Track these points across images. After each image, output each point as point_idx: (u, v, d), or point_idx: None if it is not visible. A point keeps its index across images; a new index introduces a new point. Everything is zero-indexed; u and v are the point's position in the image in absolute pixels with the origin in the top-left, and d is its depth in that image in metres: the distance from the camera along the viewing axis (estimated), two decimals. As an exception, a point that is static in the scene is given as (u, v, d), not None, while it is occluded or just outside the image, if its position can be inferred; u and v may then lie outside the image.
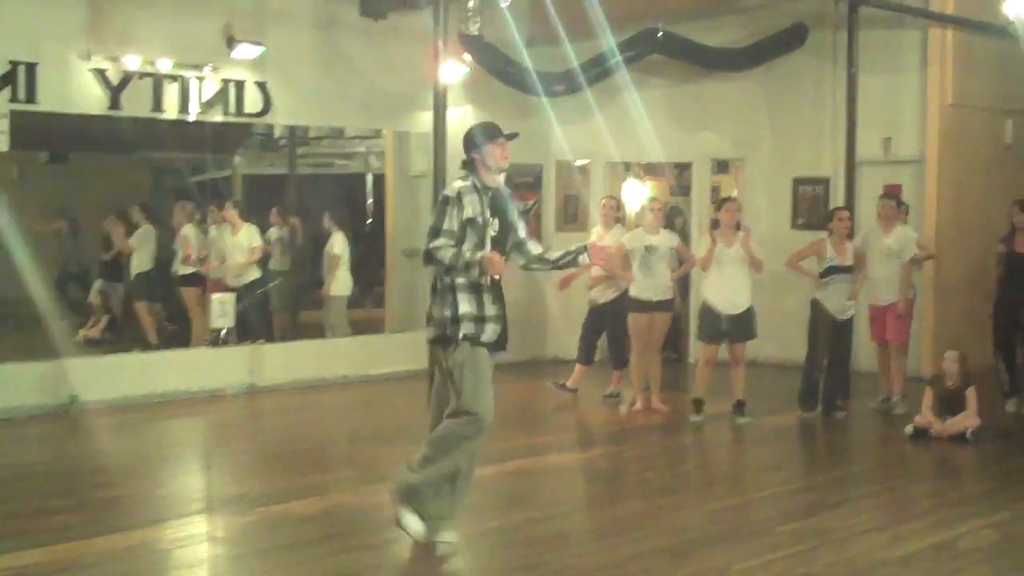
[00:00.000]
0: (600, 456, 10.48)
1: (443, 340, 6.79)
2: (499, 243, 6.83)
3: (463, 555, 7.11)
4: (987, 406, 11.01)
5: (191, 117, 12.58)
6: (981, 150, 14.59)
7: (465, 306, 6.73)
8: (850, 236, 11.80)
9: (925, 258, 12.23)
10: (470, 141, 6.89)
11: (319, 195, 17.05)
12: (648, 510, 8.08)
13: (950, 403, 10.61)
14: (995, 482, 9.39)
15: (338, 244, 14.42)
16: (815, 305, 11.56)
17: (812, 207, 14.71)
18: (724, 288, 11.18)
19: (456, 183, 6.82)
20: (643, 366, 11.81)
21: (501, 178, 6.96)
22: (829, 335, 11.51)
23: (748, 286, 11.29)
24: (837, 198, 13.69)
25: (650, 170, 16.55)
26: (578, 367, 12.36)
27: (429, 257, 6.72)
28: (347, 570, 6.78)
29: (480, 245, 6.70)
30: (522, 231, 7.05)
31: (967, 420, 10.47)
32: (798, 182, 14.98)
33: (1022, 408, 11.80)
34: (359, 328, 14.84)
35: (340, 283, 14.42)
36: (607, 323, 12.24)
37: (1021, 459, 10.21)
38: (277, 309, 14.90)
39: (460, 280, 6.72)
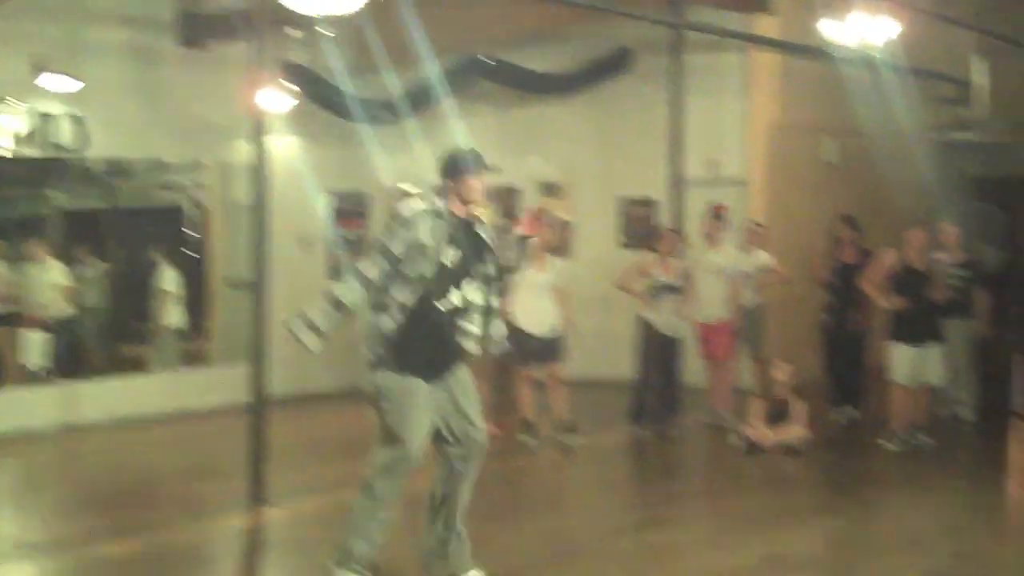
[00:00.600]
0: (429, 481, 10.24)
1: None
2: (453, 276, 6.29)
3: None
4: (816, 417, 11.14)
5: (5, 152, 12.11)
6: (805, 170, 14.80)
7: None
8: (676, 255, 11.85)
9: (778, 281, 12.30)
10: (452, 167, 6.37)
11: (141, 229, 16.54)
12: (475, 535, 7.85)
13: (778, 415, 10.69)
14: (824, 491, 9.48)
15: (167, 278, 14.07)
16: (644, 323, 11.55)
17: (640, 228, 14.76)
18: (534, 311, 11.09)
19: (414, 203, 6.38)
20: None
21: (479, 212, 6.49)
22: (659, 353, 11.51)
23: (555, 309, 11.23)
24: (664, 218, 13.75)
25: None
26: None
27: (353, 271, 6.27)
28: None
29: (424, 275, 6.18)
30: (492, 267, 6.48)
31: (796, 430, 10.56)
32: (626, 203, 15.04)
33: (847, 417, 11.96)
34: (183, 361, 14.46)
35: (172, 316, 14.06)
36: None
37: (849, 468, 10.32)
38: (94, 346, 14.39)
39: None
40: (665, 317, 11.45)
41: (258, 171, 9.04)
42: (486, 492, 9.53)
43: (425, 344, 6.26)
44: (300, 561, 7.44)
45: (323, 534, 8.06)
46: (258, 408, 8.87)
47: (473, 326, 6.42)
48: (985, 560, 7.13)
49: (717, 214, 12.37)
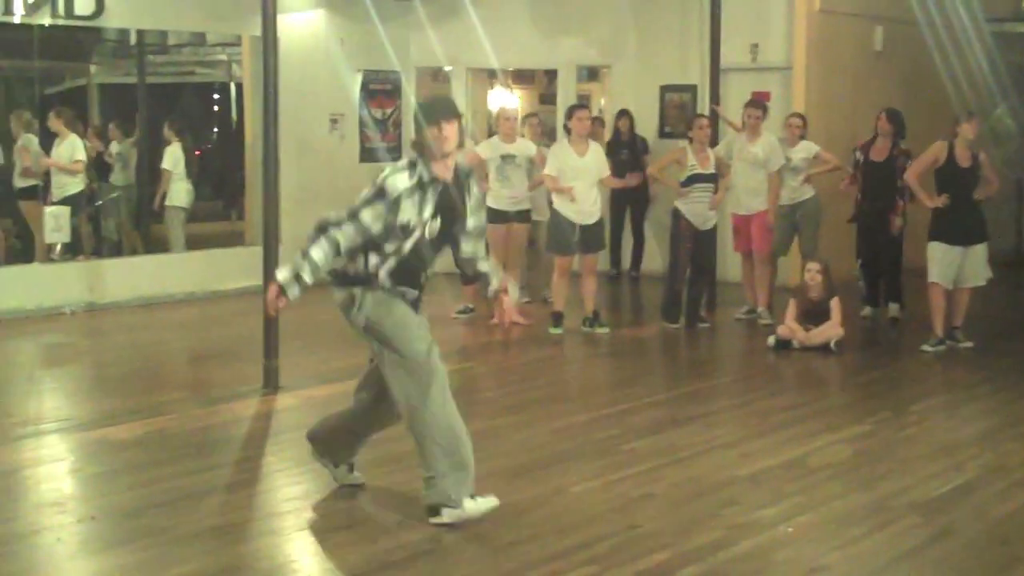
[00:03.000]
0: (450, 373, 10.03)
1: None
2: (435, 245, 5.95)
3: (292, 478, 6.69)
4: (850, 317, 10.83)
5: (16, 19, 11.79)
6: (850, 57, 14.31)
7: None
8: (712, 144, 11.48)
9: (830, 170, 11.86)
10: (426, 115, 5.91)
11: (176, 105, 16.32)
12: (491, 429, 7.67)
13: (814, 314, 10.39)
14: (854, 394, 9.18)
15: (168, 156, 13.74)
16: (676, 215, 11.23)
17: (679, 115, 14.33)
18: (576, 199, 10.74)
19: (399, 178, 5.79)
20: (500, 277, 11.41)
21: (452, 161, 5.96)
22: (691, 245, 11.19)
23: (598, 198, 10.92)
24: (704, 105, 13.33)
25: (518, 78, 16.09)
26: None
27: (321, 228, 5.78)
28: (179, 494, 6.36)
29: (403, 248, 5.80)
30: (471, 222, 6.07)
31: (831, 330, 10.25)
32: (665, 89, 14.60)
33: (877, 315, 11.61)
34: (221, 241, 14.32)
35: (176, 195, 13.73)
36: None
37: (882, 370, 9.99)
38: (120, 224, 14.23)
39: None
40: (697, 208, 11.10)
41: (266, 46, 8.65)
42: (506, 384, 9.44)
43: (404, 282, 5.91)
44: (304, 447, 7.24)
45: None
46: (271, 292, 8.60)
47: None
48: (1015, 474, 6.82)
49: (757, 103, 11.93)
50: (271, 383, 8.64)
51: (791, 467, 6.92)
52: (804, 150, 11.66)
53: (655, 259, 13.49)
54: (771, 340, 10.38)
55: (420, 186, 5.82)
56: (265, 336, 8.67)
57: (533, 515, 5.99)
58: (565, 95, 14.93)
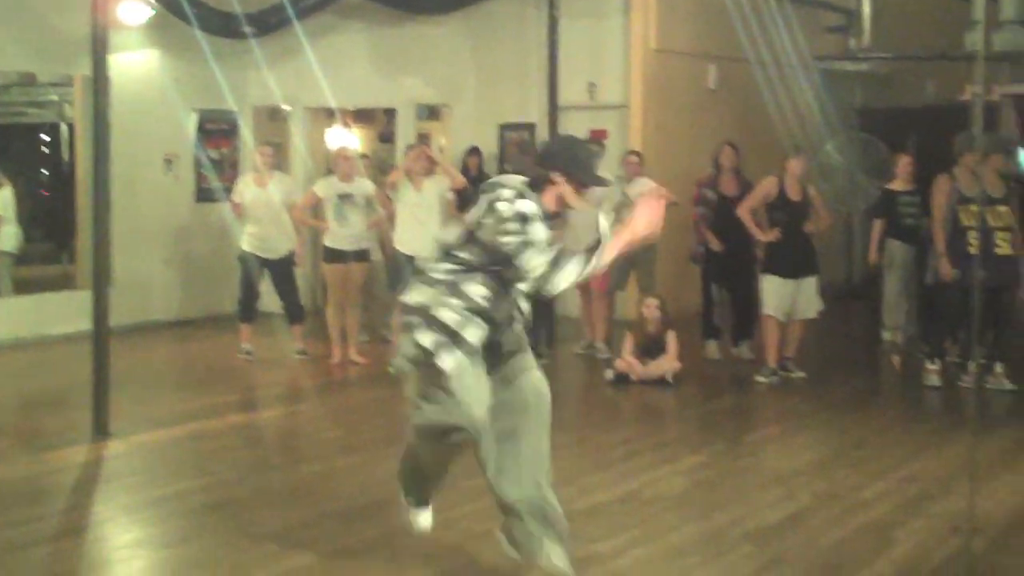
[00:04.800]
0: (286, 415, 9.94)
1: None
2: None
3: (122, 527, 6.51)
4: (689, 350, 10.98)
5: None
6: (685, 95, 14.58)
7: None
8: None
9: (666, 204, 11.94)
10: (567, 160, 5.26)
11: (6, 146, 15.92)
12: (329, 471, 7.60)
13: (651, 348, 10.50)
14: (690, 426, 9.31)
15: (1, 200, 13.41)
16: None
17: (518, 152, 14.42)
18: (415, 234, 10.73)
19: (524, 203, 5.09)
20: (339, 318, 11.32)
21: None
22: (530, 282, 11.23)
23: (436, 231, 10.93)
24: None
25: (357, 117, 16.04)
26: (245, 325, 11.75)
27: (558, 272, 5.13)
28: (5, 545, 6.14)
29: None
30: None
31: (668, 363, 10.38)
32: (504, 128, 14.68)
33: (721, 352, 11.76)
34: (52, 285, 13.92)
35: (4, 239, 13.39)
36: (277, 278, 11.63)
37: (718, 402, 10.18)
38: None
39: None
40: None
41: (97, 86, 8.46)
42: (345, 424, 9.33)
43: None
44: (138, 493, 7.12)
45: (161, 465, 7.96)
46: (100, 336, 8.43)
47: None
48: (846, 501, 6.96)
49: (595, 141, 12.08)
50: (101, 430, 8.40)
51: (628, 500, 6.97)
52: (641, 185, 11.80)
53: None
54: (609, 374, 10.47)
55: (542, 217, 5.18)
56: (94, 382, 8.45)
57: (372, 556, 5.91)
58: (404, 134, 14.93)
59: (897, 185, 11.82)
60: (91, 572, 5.83)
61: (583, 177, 5.26)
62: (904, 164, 11.85)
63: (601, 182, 5.46)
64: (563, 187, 5.22)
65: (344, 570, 5.72)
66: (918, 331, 11.71)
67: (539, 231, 5.08)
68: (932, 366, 10.26)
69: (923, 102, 16.60)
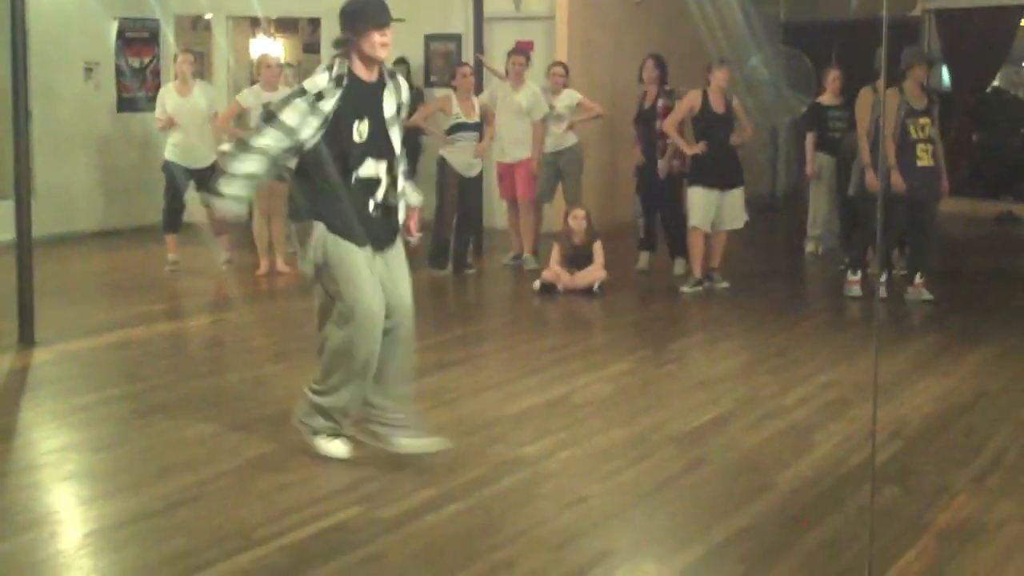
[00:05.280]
0: (213, 324, 9.92)
1: None
2: (370, 149, 5.72)
3: (50, 432, 6.51)
4: (620, 262, 11.08)
5: None
6: (611, 7, 14.58)
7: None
8: (476, 92, 11.56)
9: (592, 117, 12.00)
10: (350, 20, 5.67)
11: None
12: (259, 378, 7.64)
13: (578, 259, 10.58)
14: (616, 334, 9.39)
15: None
16: (441, 163, 11.29)
17: (444, 64, 14.37)
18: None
19: (320, 77, 5.62)
20: (265, 228, 11.29)
21: (380, 69, 5.78)
22: (457, 193, 11.27)
23: None
24: (468, 54, 13.39)
25: (281, 26, 15.86)
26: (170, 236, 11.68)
27: (240, 146, 5.66)
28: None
29: (343, 153, 5.63)
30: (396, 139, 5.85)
31: (594, 273, 10.47)
32: (430, 39, 14.60)
33: (653, 262, 11.81)
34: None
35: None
36: (201, 187, 11.52)
37: (643, 311, 10.30)
38: None
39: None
40: (462, 156, 11.19)
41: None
42: (273, 332, 9.33)
43: (347, 208, 5.69)
44: (65, 400, 7.12)
45: (88, 373, 7.96)
46: (23, 245, 8.36)
47: (391, 198, 5.90)
48: (766, 406, 7.10)
49: (521, 51, 12.04)
50: (26, 338, 8.37)
51: (555, 405, 7.06)
52: (567, 98, 11.82)
53: (425, 208, 13.49)
54: (536, 284, 10.55)
55: (340, 85, 5.63)
56: (19, 290, 8.40)
57: (299, 460, 5.96)
58: (328, 44, 14.76)
59: (826, 99, 11.96)
60: (21, 475, 5.81)
61: (363, 23, 5.61)
62: (832, 78, 11.99)
63: (381, 16, 5.66)
64: (362, 41, 5.62)
65: (270, 473, 5.76)
66: (840, 242, 11.91)
67: (289, 110, 5.54)
68: (854, 277, 10.42)
69: (845, 17, 16.72)
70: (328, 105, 5.61)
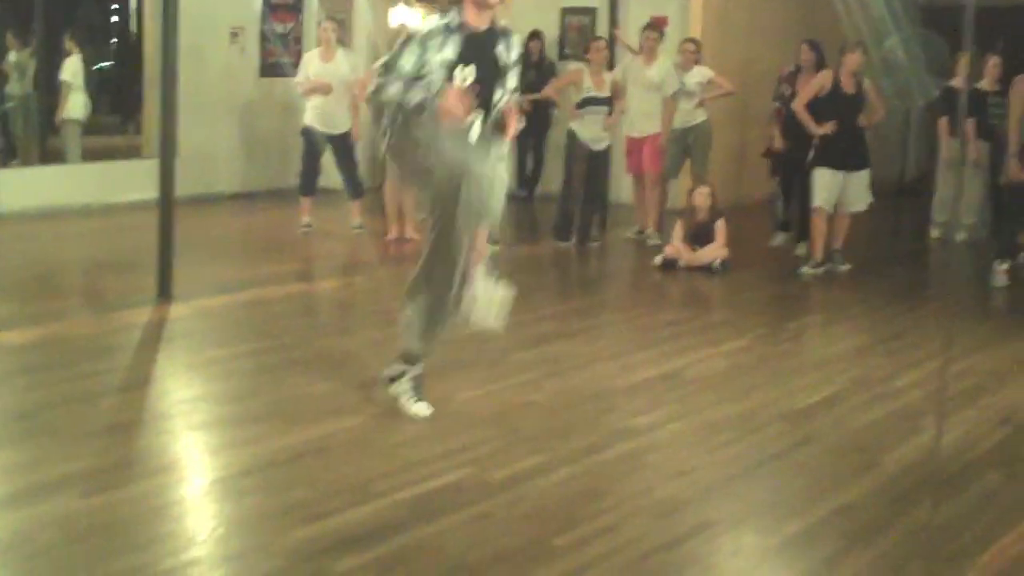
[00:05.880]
0: (342, 287, 10.23)
1: None
2: (478, 94, 5.84)
3: (183, 383, 6.84)
4: (741, 240, 11.16)
5: None
6: (748, -16, 14.54)
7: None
8: (609, 67, 11.68)
9: (724, 95, 12.10)
10: None
11: (75, 14, 16.07)
12: (379, 339, 7.87)
13: (700, 236, 10.67)
14: (734, 312, 9.47)
15: (68, 68, 13.63)
16: (571, 136, 11.45)
17: (579, 37, 14.49)
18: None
19: (429, 21, 5.82)
20: (396, 195, 11.55)
21: (492, 18, 5.85)
22: (584, 166, 11.42)
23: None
24: (603, 28, 13.51)
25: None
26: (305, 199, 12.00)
27: (375, 94, 5.84)
28: (72, 395, 6.46)
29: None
30: (509, 81, 5.99)
31: (716, 251, 10.56)
32: (566, 12, 14.73)
33: (787, 243, 11.83)
34: (118, 154, 14.25)
35: (73, 107, 13.64)
36: (338, 153, 11.86)
37: (763, 290, 10.36)
38: (20, 134, 14.09)
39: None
40: (591, 130, 11.33)
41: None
42: (396, 297, 9.56)
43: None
44: (199, 353, 7.47)
45: (221, 328, 8.30)
46: (166, 203, 8.72)
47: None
48: (877, 388, 7.16)
49: (655, 26, 12.13)
50: (165, 293, 8.73)
51: (669, 378, 7.21)
52: (698, 75, 11.90)
53: (552, 180, 13.69)
54: (658, 259, 10.67)
55: (449, 29, 5.77)
56: (160, 247, 8.75)
57: (417, 420, 6.19)
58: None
59: (985, 85, 11.88)
60: (155, 422, 6.14)
61: None
62: (992, 65, 11.90)
63: None
64: None
65: (389, 431, 6.00)
66: (989, 230, 11.82)
67: (405, 54, 5.69)
68: (1001, 266, 10.33)
69: (983, 2, 16.40)
70: (435, 46, 5.75)
